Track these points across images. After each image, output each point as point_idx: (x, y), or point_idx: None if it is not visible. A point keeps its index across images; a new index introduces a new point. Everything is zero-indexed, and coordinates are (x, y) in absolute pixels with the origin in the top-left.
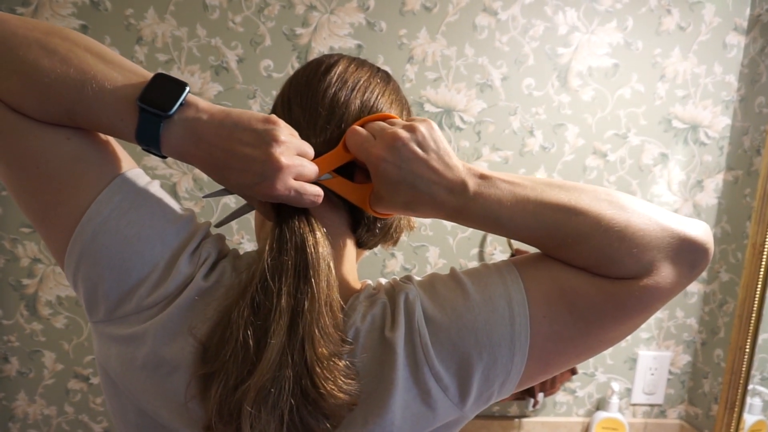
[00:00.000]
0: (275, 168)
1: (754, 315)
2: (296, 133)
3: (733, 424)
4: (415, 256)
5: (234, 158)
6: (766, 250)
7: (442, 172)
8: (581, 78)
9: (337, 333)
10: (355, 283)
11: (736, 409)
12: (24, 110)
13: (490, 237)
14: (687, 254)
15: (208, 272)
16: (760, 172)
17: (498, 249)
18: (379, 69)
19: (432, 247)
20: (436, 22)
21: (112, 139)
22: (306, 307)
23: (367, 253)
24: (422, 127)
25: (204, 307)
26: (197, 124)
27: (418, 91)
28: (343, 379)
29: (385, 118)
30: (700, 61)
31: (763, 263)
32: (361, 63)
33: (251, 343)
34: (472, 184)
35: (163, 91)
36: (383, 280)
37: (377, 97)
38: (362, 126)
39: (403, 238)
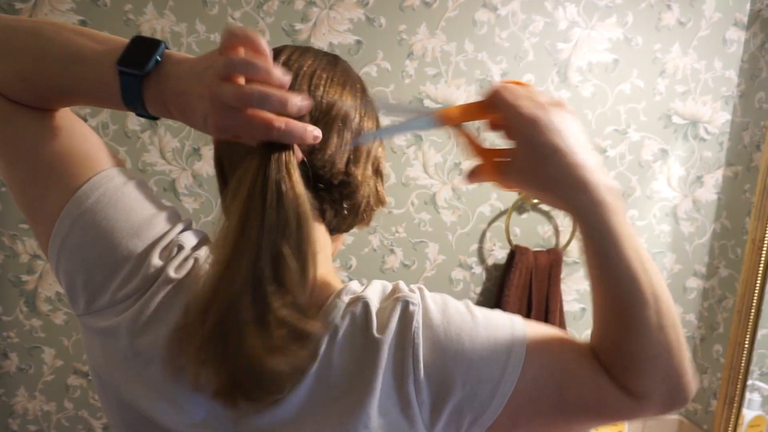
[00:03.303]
0: (213, 91)
1: (753, 310)
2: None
3: (732, 420)
4: (414, 252)
5: (192, 98)
6: (765, 245)
7: (593, 167)
8: (581, 73)
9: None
10: (335, 279)
11: (735, 405)
12: (18, 96)
13: (489, 233)
14: (678, 403)
15: (179, 265)
16: (759, 167)
17: (497, 245)
18: (325, 53)
19: (431, 243)
20: (436, 18)
21: (99, 139)
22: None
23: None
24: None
25: (175, 299)
26: (170, 76)
27: (418, 87)
28: (293, 343)
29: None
30: (700, 57)
31: (763, 259)
32: (305, 50)
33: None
34: (611, 199)
35: (139, 52)
36: (388, 285)
37: (326, 83)
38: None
39: (403, 234)
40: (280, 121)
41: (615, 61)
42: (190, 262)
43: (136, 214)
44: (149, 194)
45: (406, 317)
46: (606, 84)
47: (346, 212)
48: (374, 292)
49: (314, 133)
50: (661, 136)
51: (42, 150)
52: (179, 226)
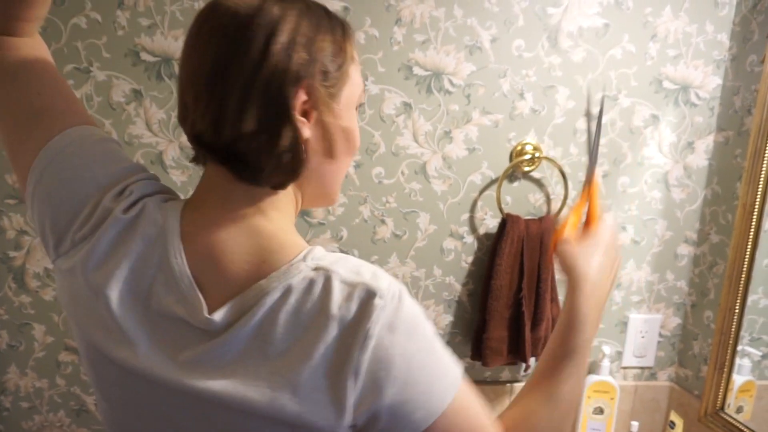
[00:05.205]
0: None
1: (743, 276)
2: None
3: (722, 385)
4: (405, 222)
5: None
6: (756, 210)
7: (603, 303)
8: (571, 38)
9: None
10: (298, 239)
11: (725, 370)
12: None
13: (481, 202)
14: None
15: (128, 207)
16: (750, 131)
17: (489, 214)
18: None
19: (422, 213)
20: None
21: (78, 100)
22: None
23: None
24: None
25: (124, 236)
26: None
27: (407, 54)
28: None
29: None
30: (692, 20)
31: (753, 224)
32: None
33: None
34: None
35: None
36: (365, 268)
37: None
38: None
39: (394, 204)
40: None
41: (606, 26)
42: (140, 206)
43: (100, 165)
44: (116, 150)
45: (369, 307)
46: (597, 49)
47: (284, 161)
48: (344, 269)
49: None
50: (652, 101)
51: (24, 107)
52: (138, 176)
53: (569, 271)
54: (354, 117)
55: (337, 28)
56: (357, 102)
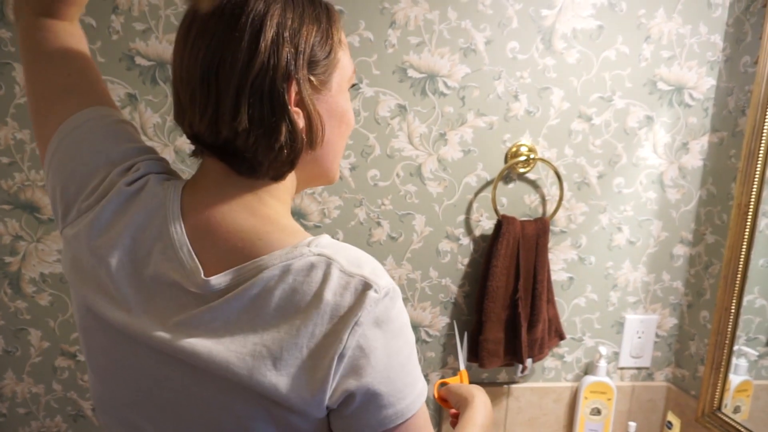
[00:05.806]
0: None
1: (739, 276)
2: None
3: (719, 385)
4: (401, 224)
5: None
6: (751, 210)
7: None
8: (566, 40)
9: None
10: (299, 228)
11: (722, 370)
12: None
13: (476, 204)
14: None
15: (133, 181)
16: (744, 132)
17: (484, 215)
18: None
19: (418, 215)
20: None
21: (104, 85)
22: None
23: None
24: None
25: (126, 208)
26: None
27: (401, 57)
28: None
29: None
30: (685, 21)
31: (749, 223)
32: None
33: None
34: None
35: None
36: (365, 261)
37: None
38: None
39: (389, 206)
40: None
41: (599, 27)
42: (143, 180)
43: (113, 142)
44: (131, 131)
45: (363, 298)
46: (591, 50)
47: (285, 151)
48: (346, 260)
49: None
50: (646, 102)
51: (52, 86)
52: (146, 155)
53: (466, 395)
54: (346, 98)
55: (322, 14)
56: (348, 83)
